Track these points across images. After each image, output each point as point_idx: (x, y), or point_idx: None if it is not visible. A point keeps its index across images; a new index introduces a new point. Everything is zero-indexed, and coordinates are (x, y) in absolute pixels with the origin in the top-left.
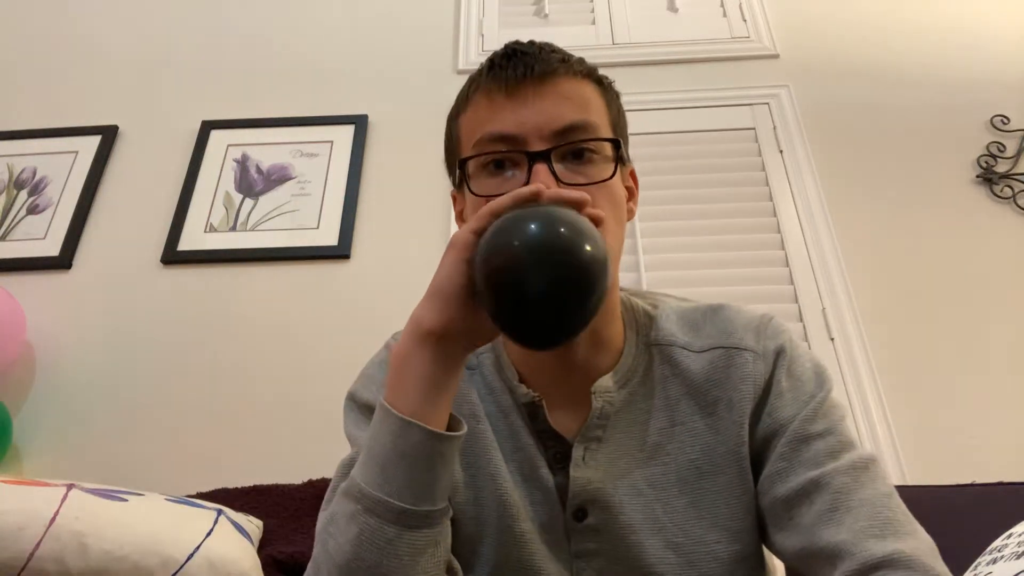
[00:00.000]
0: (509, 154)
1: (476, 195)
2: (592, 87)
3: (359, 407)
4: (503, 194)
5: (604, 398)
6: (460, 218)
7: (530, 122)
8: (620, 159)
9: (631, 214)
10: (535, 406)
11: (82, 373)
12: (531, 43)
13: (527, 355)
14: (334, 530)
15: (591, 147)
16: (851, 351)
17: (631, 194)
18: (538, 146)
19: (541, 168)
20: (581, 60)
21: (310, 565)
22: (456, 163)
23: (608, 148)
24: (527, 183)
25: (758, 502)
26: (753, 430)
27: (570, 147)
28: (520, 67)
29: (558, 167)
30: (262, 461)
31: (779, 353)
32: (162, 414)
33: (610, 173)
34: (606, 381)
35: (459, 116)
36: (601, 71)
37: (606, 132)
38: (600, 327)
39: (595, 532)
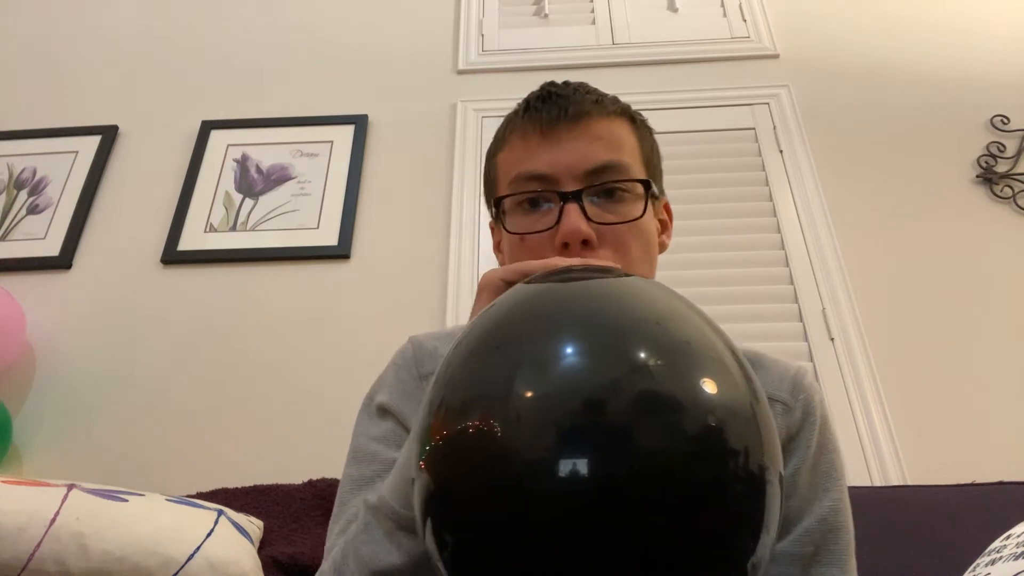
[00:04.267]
0: (542, 193)
1: (511, 232)
2: (625, 125)
3: (370, 410)
4: (537, 232)
5: None
6: (497, 249)
7: (563, 162)
8: (652, 196)
9: (664, 247)
10: None
11: (82, 373)
12: (566, 83)
13: None
14: (367, 538)
15: (622, 186)
16: (851, 351)
17: (664, 227)
18: (570, 186)
19: (572, 208)
20: (615, 99)
21: (329, 568)
22: (493, 199)
23: (639, 187)
24: (559, 222)
25: None
26: None
27: (601, 187)
28: (554, 109)
29: (589, 206)
30: (262, 461)
31: (809, 410)
32: (162, 414)
33: (641, 211)
34: None
35: (496, 155)
36: (601, 71)
37: (638, 170)
38: None
39: None
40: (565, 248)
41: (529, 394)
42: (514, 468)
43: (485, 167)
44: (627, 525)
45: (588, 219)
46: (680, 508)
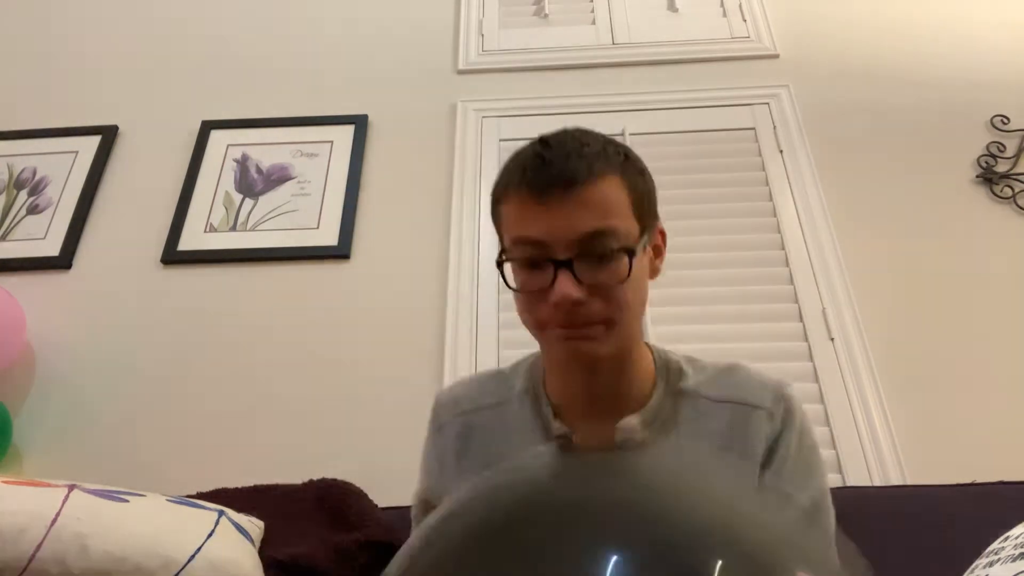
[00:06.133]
0: (538, 258)
1: (512, 288)
2: (614, 183)
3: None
4: (535, 291)
5: (627, 435)
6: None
7: (555, 230)
8: (643, 247)
9: (656, 272)
10: (567, 439)
11: (82, 373)
12: (560, 144)
13: (564, 391)
14: None
15: (610, 252)
16: (851, 351)
17: (658, 252)
18: (562, 253)
19: (563, 274)
20: (604, 154)
21: None
22: (499, 255)
23: (632, 243)
24: (552, 284)
25: None
26: (762, 473)
27: (590, 254)
28: (547, 176)
29: (581, 269)
30: (262, 461)
31: (788, 416)
32: (162, 414)
33: (627, 273)
34: (632, 420)
35: (499, 203)
36: (601, 71)
37: (629, 225)
38: (631, 367)
39: None
40: (557, 309)
41: None
42: None
43: (491, 208)
44: None
45: (579, 280)
46: None
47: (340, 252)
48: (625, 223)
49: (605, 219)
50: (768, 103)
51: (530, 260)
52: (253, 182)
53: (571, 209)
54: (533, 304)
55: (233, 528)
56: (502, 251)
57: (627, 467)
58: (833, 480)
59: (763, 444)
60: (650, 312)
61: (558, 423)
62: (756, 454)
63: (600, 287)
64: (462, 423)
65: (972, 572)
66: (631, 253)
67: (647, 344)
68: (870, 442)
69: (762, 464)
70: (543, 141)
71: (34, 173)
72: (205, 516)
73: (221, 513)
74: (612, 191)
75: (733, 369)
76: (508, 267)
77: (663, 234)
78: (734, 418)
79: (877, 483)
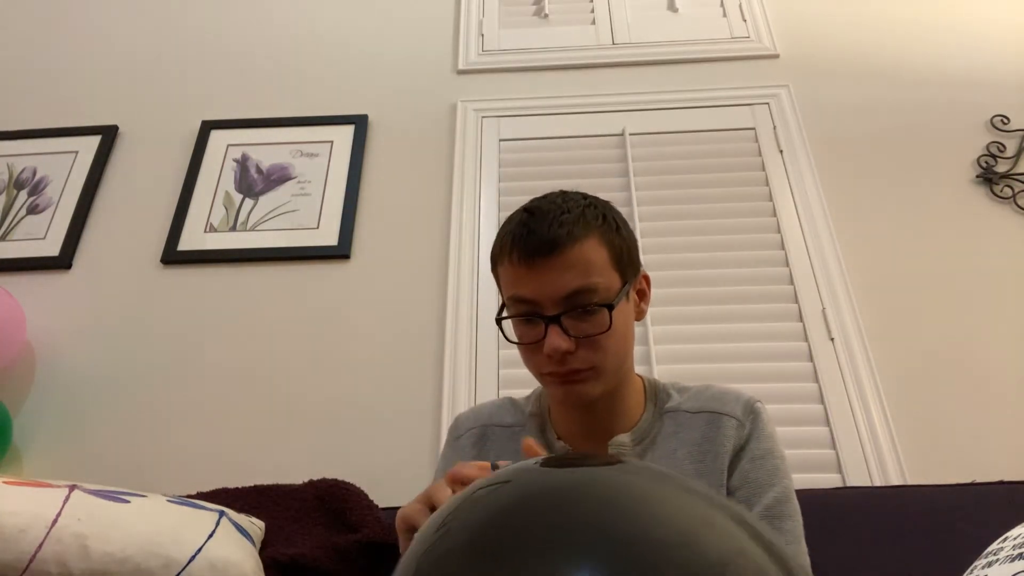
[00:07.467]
0: (531, 314)
1: (511, 340)
2: (593, 242)
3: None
4: (530, 343)
5: (618, 450)
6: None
7: (543, 290)
8: (625, 295)
9: (642, 314)
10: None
11: (82, 373)
12: (544, 213)
13: (566, 421)
14: None
15: (592, 307)
16: (851, 351)
17: (642, 296)
18: (550, 309)
19: (552, 328)
20: (584, 218)
21: None
22: (498, 313)
23: (612, 296)
24: (544, 338)
25: None
26: (729, 477)
27: (574, 309)
28: (533, 242)
29: (568, 322)
30: (262, 461)
31: (755, 425)
32: (162, 414)
33: (608, 324)
34: (623, 438)
35: (497, 264)
36: (601, 71)
37: (608, 280)
38: (623, 398)
39: None
40: (550, 358)
41: None
42: None
43: (492, 266)
44: None
45: (567, 332)
46: None
47: (340, 252)
48: (605, 278)
49: (586, 277)
50: (768, 103)
51: (525, 316)
52: (253, 182)
53: (555, 271)
54: (531, 354)
55: (234, 528)
56: (500, 309)
57: (594, 472)
58: (833, 480)
59: (731, 446)
60: (650, 313)
61: (561, 443)
62: (724, 454)
63: (586, 337)
64: (478, 432)
65: (971, 572)
66: (610, 307)
67: (639, 375)
68: (870, 442)
69: (730, 465)
70: (528, 210)
71: (34, 173)
72: (206, 516)
73: (222, 513)
74: (591, 251)
75: (710, 386)
76: (507, 324)
77: (647, 279)
78: (708, 425)
79: (877, 483)
